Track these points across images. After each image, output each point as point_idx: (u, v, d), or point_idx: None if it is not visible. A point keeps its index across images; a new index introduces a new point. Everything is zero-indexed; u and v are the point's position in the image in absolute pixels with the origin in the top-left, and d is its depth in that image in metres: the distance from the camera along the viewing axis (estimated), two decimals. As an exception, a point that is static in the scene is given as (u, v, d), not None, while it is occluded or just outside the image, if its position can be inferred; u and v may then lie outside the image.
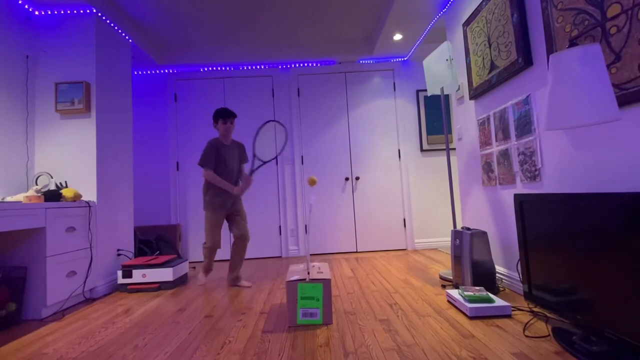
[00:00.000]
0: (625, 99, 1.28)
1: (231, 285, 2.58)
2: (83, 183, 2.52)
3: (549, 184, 1.75)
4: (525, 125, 1.90)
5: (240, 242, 2.54)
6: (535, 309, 1.73)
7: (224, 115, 2.52)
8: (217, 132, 2.67)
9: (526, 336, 1.44)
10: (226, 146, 2.55)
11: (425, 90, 3.88)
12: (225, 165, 2.52)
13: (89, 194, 2.50)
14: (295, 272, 1.87)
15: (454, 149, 3.84)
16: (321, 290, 1.71)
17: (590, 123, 1.10)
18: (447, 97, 3.81)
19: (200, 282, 2.68)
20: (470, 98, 2.44)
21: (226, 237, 3.75)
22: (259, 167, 2.51)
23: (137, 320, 1.90)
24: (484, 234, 2.05)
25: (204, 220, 2.56)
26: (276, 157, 2.73)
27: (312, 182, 1.90)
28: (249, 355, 1.41)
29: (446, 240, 3.78)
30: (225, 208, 2.54)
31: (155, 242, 3.27)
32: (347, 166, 3.84)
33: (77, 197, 2.32)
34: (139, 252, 3.11)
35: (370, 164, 3.85)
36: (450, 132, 3.77)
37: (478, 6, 2.28)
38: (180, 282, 2.71)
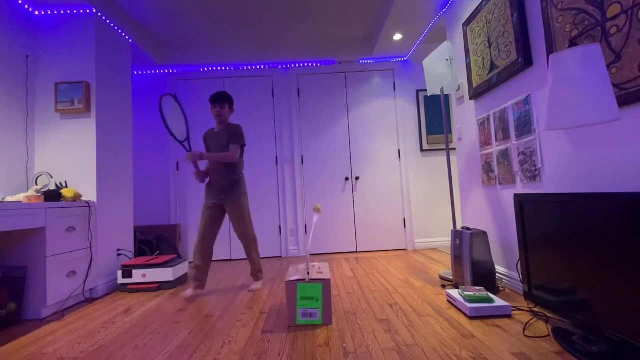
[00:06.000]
0: (625, 99, 1.28)
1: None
2: (83, 183, 2.51)
3: (549, 184, 1.75)
4: (525, 125, 1.90)
5: (243, 245, 2.45)
6: (535, 309, 1.73)
7: (211, 100, 2.40)
8: None
9: (526, 336, 1.44)
10: (214, 134, 2.44)
11: (425, 90, 3.88)
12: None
13: (89, 194, 2.50)
14: (295, 272, 1.87)
15: (454, 149, 3.84)
16: (321, 290, 1.71)
17: (590, 123, 1.10)
18: (447, 97, 3.81)
19: (186, 294, 2.29)
20: (470, 98, 2.44)
21: (225, 240, 3.75)
22: (182, 144, 2.38)
23: (137, 320, 1.90)
24: (484, 234, 2.05)
25: None
26: (188, 138, 2.44)
27: (317, 211, 1.91)
28: (249, 355, 1.40)
29: (446, 240, 3.78)
30: (211, 199, 2.37)
31: (155, 242, 3.27)
32: (347, 166, 3.84)
33: (77, 197, 2.32)
34: (139, 252, 3.11)
35: (370, 164, 3.85)
36: (450, 132, 3.77)
37: (478, 6, 2.28)
38: (180, 282, 2.71)
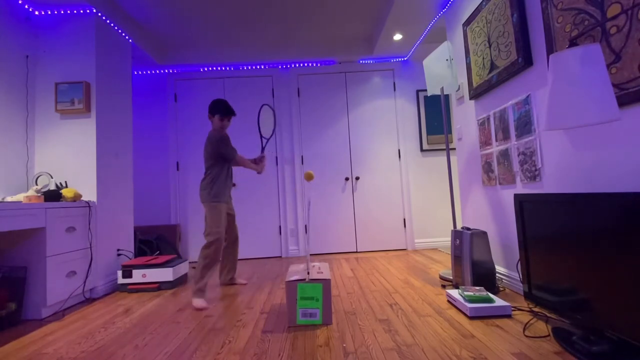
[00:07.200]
0: (625, 99, 1.28)
1: (226, 284, 2.59)
2: (83, 183, 2.51)
3: (549, 184, 1.75)
4: (525, 125, 1.90)
5: (234, 244, 2.57)
6: (535, 309, 1.73)
7: (226, 112, 2.39)
8: (211, 124, 2.44)
9: (526, 336, 1.44)
10: None
11: (425, 90, 3.88)
12: None
13: (89, 194, 2.50)
14: (295, 272, 1.87)
15: (454, 149, 3.84)
16: (321, 290, 1.71)
17: (590, 123, 1.10)
18: (447, 97, 3.81)
19: (201, 305, 2.06)
20: (470, 98, 2.44)
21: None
22: (266, 144, 2.86)
23: (137, 320, 1.90)
24: (484, 234, 2.05)
25: (208, 216, 2.25)
26: (273, 134, 2.96)
27: (308, 177, 1.86)
28: (249, 355, 1.40)
29: (446, 240, 3.78)
30: (227, 202, 2.39)
31: (155, 242, 3.27)
32: (347, 166, 3.84)
33: (77, 197, 2.32)
34: (139, 252, 3.11)
35: (370, 164, 3.85)
36: (450, 132, 3.77)
37: (478, 6, 2.28)
38: (180, 282, 2.71)
